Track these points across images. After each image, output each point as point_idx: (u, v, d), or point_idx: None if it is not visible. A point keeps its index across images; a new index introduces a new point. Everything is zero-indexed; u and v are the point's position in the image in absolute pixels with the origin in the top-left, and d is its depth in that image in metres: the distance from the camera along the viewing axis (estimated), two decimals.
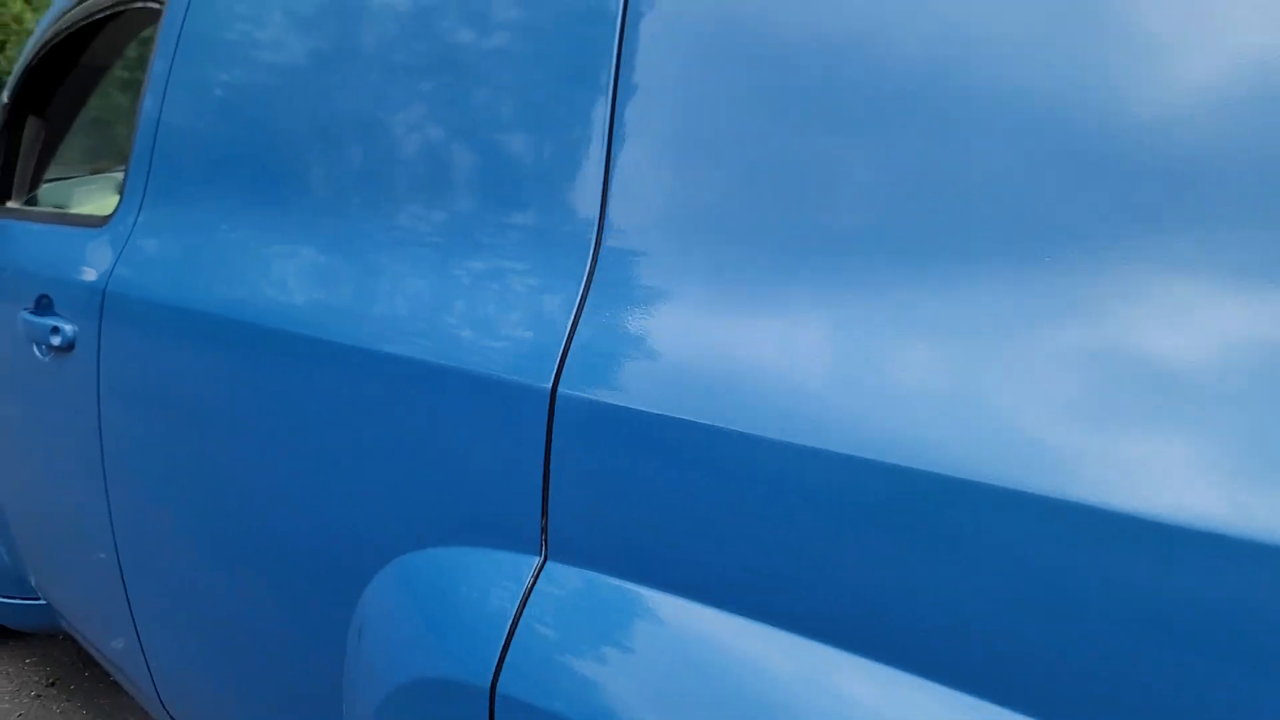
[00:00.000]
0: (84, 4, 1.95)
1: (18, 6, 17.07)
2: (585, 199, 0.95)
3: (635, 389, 0.85)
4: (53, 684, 2.59)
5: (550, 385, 0.92)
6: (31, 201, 2.22)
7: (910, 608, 0.69)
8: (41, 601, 2.29)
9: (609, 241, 0.94)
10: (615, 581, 0.89)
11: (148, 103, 1.58)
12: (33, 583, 2.27)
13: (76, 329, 1.65)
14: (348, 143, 1.21)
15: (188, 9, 1.53)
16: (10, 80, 2.20)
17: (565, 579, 0.93)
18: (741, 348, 0.81)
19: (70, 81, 2.19)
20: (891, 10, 0.77)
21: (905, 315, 0.74)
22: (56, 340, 1.68)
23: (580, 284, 0.94)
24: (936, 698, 0.68)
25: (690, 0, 0.91)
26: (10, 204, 2.19)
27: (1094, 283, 0.64)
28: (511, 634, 0.93)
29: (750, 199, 0.84)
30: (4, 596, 2.35)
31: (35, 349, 1.79)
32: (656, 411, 0.83)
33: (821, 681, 0.74)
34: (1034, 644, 0.63)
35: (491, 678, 0.93)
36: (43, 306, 1.77)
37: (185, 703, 1.69)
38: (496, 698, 0.92)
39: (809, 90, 0.82)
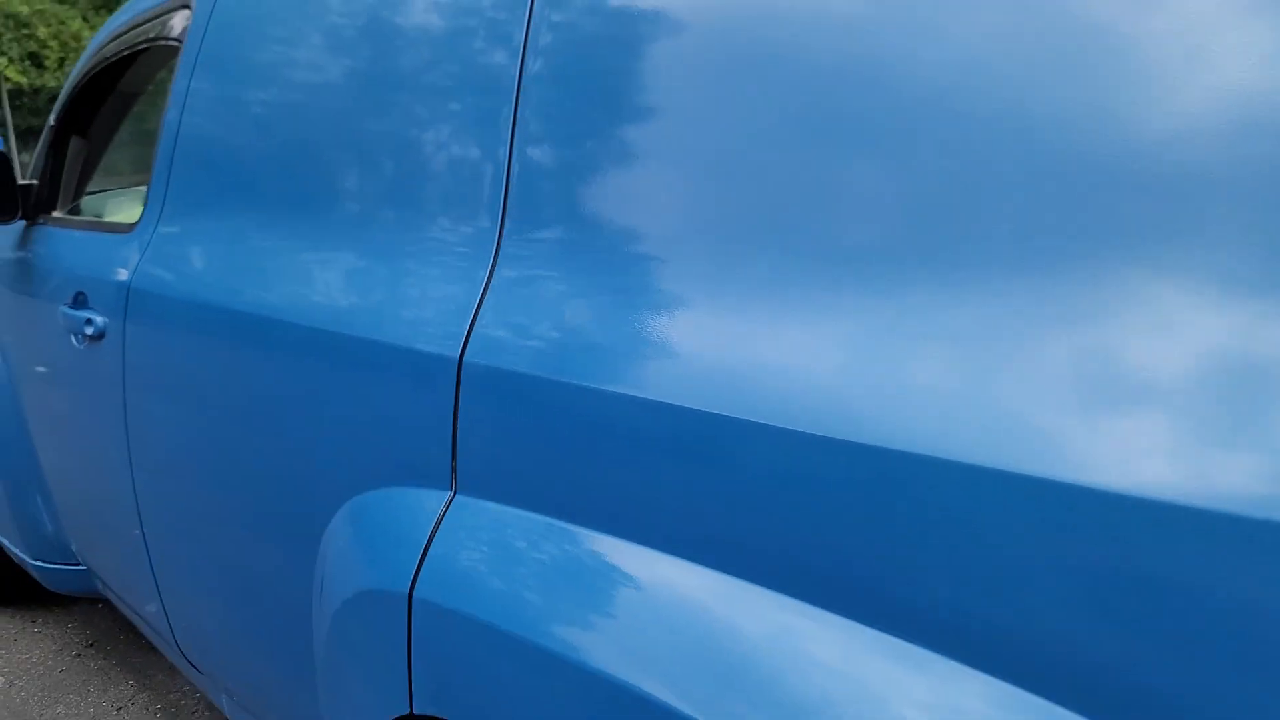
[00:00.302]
0: (115, 41, 2.24)
1: (76, 25, 17.70)
2: (487, 218, 1.20)
3: (520, 357, 1.09)
4: (91, 645, 2.88)
5: (458, 355, 1.16)
6: (74, 211, 2.52)
7: (738, 516, 0.93)
8: (82, 567, 2.58)
9: (505, 251, 1.18)
10: (506, 509, 1.13)
11: (167, 122, 1.85)
12: (74, 549, 2.55)
13: (106, 320, 1.93)
14: (319, 162, 1.47)
15: (196, 60, 1.79)
16: (55, 106, 2.50)
17: (469, 508, 1.17)
18: (593, 323, 1.04)
19: (106, 107, 2.48)
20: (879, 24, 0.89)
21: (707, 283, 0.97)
22: (89, 330, 1.96)
23: (482, 283, 1.18)
24: (789, 608, 0.90)
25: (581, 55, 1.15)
26: (55, 214, 2.48)
27: (1084, 288, 0.73)
28: (426, 551, 1.18)
29: (596, 214, 1.08)
30: (49, 562, 2.63)
31: (72, 339, 2.07)
32: (533, 373, 1.07)
33: (627, 571, 0.98)
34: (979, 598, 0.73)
35: (410, 585, 1.17)
36: (79, 301, 2.05)
37: (198, 647, 1.96)
38: (414, 601, 1.17)
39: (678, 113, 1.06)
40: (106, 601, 2.70)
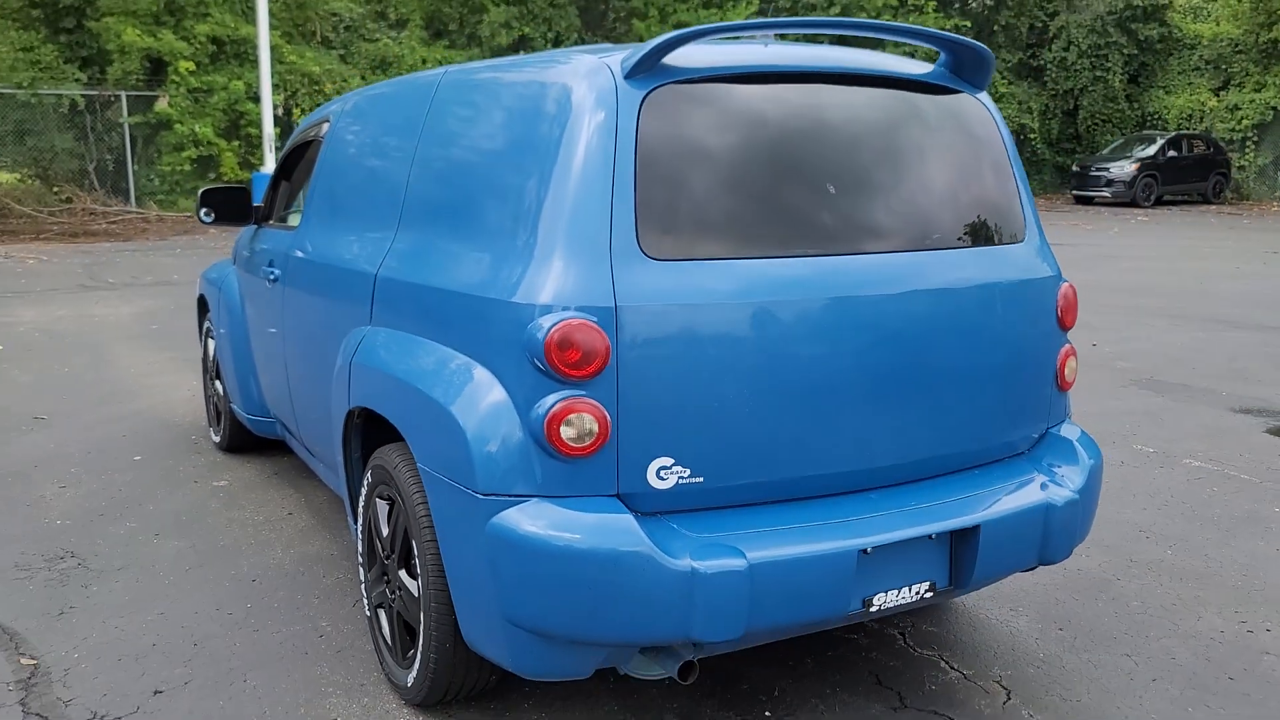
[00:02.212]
0: (298, 135, 4.34)
1: (355, 82, 21.14)
2: (391, 208, 3.11)
3: (397, 272, 2.98)
4: (276, 473, 4.97)
5: (374, 273, 3.08)
6: (279, 220, 4.62)
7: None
8: (271, 418, 4.65)
9: (401, 228, 3.08)
10: (390, 330, 3.01)
11: (312, 175, 3.88)
12: (269, 407, 4.62)
13: (280, 273, 3.97)
14: (354, 190, 3.44)
15: (326, 140, 3.82)
16: (275, 167, 4.64)
17: (377, 330, 3.06)
18: (414, 259, 2.93)
19: (298, 167, 4.58)
20: None
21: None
22: (272, 277, 4.02)
23: (389, 243, 3.09)
24: None
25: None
26: (270, 222, 4.60)
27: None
28: (358, 346, 3.08)
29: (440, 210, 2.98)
30: (255, 416, 4.72)
31: (266, 282, 4.13)
32: (406, 280, 2.96)
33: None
34: None
35: (351, 358, 3.08)
36: (271, 263, 4.11)
37: (307, 435, 3.94)
38: (353, 365, 3.07)
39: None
40: (285, 447, 4.78)
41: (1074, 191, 26.74)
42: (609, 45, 2.76)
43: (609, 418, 2.33)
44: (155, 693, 2.98)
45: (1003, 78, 28.76)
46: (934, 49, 2.86)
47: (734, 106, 2.53)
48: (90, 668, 3.11)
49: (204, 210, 4.56)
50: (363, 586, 3.18)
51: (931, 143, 2.79)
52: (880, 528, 2.50)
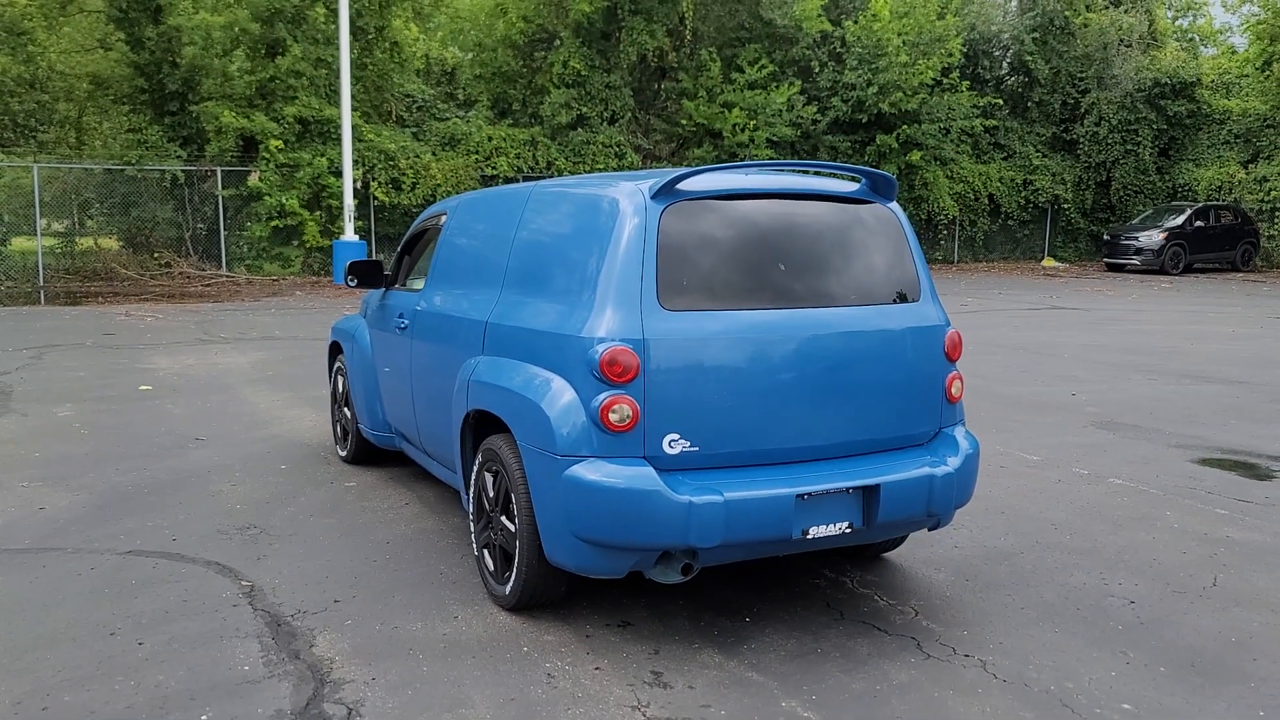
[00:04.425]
0: (421, 224, 5.91)
1: (426, 158, 23.07)
2: (497, 276, 4.63)
3: (502, 319, 4.49)
4: (391, 478, 6.45)
5: (485, 320, 4.59)
6: (403, 284, 6.16)
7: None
8: (391, 434, 6.15)
9: (503, 290, 4.59)
10: (495, 357, 4.52)
11: (434, 254, 5.42)
12: (390, 423, 6.12)
13: (408, 323, 5.50)
14: (468, 264, 4.97)
15: (445, 228, 5.37)
16: (400, 245, 6.19)
17: (486, 360, 4.55)
18: (515, 309, 4.44)
19: (417, 246, 6.12)
20: None
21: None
22: (402, 325, 5.55)
23: (495, 300, 4.61)
24: None
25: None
26: (396, 286, 6.15)
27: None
28: (475, 368, 4.57)
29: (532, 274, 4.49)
30: (377, 431, 6.22)
31: (396, 330, 5.67)
32: (502, 324, 4.46)
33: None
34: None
35: (469, 377, 4.57)
36: (400, 316, 5.64)
37: (428, 441, 5.44)
38: (470, 382, 4.57)
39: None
40: (404, 458, 6.27)
41: (1105, 259, 27.94)
42: (646, 172, 4.26)
43: (639, 407, 3.77)
44: (335, 601, 4.44)
45: (1037, 151, 30.16)
46: (858, 176, 4.33)
47: (723, 214, 4.01)
48: (288, 587, 4.58)
49: (350, 278, 6.13)
50: (472, 535, 4.63)
51: (857, 236, 4.23)
52: (813, 482, 3.90)
